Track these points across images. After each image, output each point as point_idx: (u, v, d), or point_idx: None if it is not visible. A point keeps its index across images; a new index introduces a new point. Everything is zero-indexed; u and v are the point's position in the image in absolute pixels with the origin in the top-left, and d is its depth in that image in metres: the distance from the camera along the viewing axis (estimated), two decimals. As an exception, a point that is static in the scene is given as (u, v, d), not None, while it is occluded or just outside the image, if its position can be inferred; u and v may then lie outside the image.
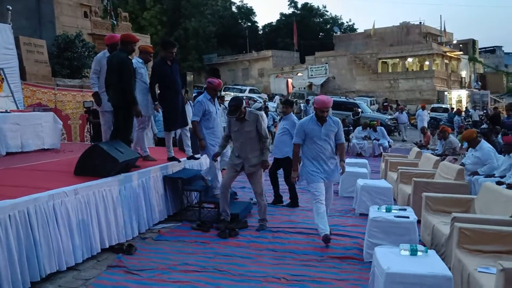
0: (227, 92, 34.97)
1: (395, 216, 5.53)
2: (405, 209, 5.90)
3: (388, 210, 5.75)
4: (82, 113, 13.21)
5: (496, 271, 3.54)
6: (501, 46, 68.99)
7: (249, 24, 63.08)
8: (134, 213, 6.25)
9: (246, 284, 4.78)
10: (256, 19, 65.99)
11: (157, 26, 47.08)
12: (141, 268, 5.14)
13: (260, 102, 26.81)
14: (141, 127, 7.68)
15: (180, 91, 7.82)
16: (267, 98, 37.50)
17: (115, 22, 25.77)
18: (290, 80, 48.52)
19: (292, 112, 8.53)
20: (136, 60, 7.37)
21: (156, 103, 7.49)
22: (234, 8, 63.79)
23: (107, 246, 5.62)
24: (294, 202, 8.39)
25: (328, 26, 62.50)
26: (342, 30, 61.86)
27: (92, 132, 10.25)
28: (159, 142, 10.55)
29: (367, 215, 5.99)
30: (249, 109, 6.87)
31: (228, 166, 6.87)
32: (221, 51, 55.52)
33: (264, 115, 6.75)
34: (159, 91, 7.63)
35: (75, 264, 5.07)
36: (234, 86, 43.05)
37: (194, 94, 13.61)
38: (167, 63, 7.47)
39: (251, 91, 40.41)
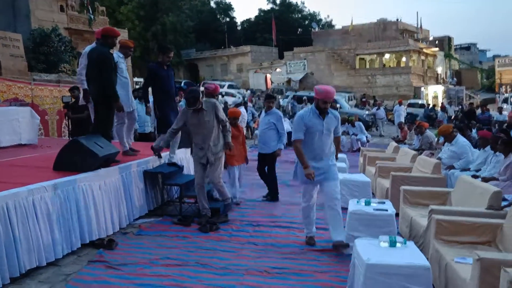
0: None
1: (374, 209, 5.62)
2: (383, 202, 5.98)
3: (367, 203, 5.83)
4: (60, 108, 13.04)
5: (473, 260, 3.64)
6: (476, 43, 70.44)
7: (227, 19, 62.95)
8: (115, 208, 6.22)
9: (228, 277, 4.81)
10: (234, 14, 66.05)
11: (134, 20, 46.68)
12: (122, 262, 5.13)
13: (239, 98, 26.78)
14: (120, 122, 7.64)
15: (174, 96, 7.90)
16: (245, 93, 37.47)
17: (92, 16, 25.44)
18: (269, 76, 48.59)
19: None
20: (116, 55, 7.29)
21: (148, 104, 7.46)
22: (212, 3, 63.63)
23: (88, 241, 5.59)
24: (273, 196, 8.44)
25: (307, 22, 62.75)
26: (320, 26, 62.20)
27: (70, 127, 10.13)
28: (140, 137, 10.51)
29: (346, 208, 6.06)
30: (204, 99, 6.82)
31: (195, 163, 6.85)
32: (200, 47, 55.30)
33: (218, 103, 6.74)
34: (152, 95, 7.66)
35: (55, 260, 5.03)
36: (213, 82, 42.91)
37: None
38: (163, 67, 7.52)
39: (230, 86, 40.34)
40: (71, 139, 8.25)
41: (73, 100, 10.11)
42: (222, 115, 6.69)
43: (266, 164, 8.50)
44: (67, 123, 11.39)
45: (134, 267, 5.00)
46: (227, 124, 6.80)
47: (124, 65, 7.48)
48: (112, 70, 6.65)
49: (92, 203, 5.71)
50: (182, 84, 33.72)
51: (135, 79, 36.26)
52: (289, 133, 8.47)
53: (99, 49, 6.68)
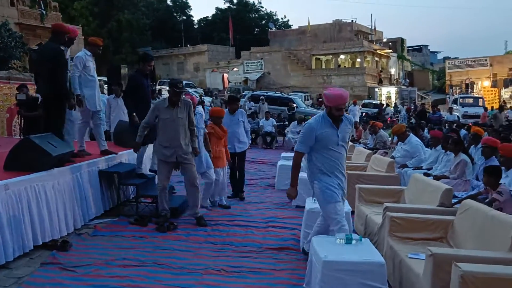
0: (162, 86, 34.44)
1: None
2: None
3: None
4: (10, 106, 12.60)
5: (426, 256, 3.76)
6: (427, 45, 72.49)
7: (184, 17, 62.43)
8: (69, 209, 6.07)
9: (186, 277, 4.78)
10: (191, 13, 65.54)
11: (88, 17, 45.58)
12: (77, 264, 5.02)
13: (196, 97, 26.60)
14: (84, 121, 7.47)
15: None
16: (203, 92, 37.28)
17: (44, 12, 24.72)
18: (226, 75, 48.54)
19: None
20: (84, 53, 7.12)
21: (134, 114, 7.20)
22: (169, 1, 62.95)
23: (41, 243, 5.43)
24: (241, 195, 8.51)
25: (263, 22, 63.01)
26: (277, 26, 62.52)
27: (23, 125, 9.79)
28: (93, 136, 10.27)
29: (303, 207, 6.14)
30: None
31: (160, 163, 6.61)
32: (156, 45, 54.56)
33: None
34: (131, 104, 7.34)
35: (6, 262, 4.87)
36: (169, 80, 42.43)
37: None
38: (144, 76, 7.37)
39: (186, 85, 39.95)
40: (22, 138, 8.00)
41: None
42: (193, 117, 6.61)
43: (241, 163, 8.54)
44: (19, 121, 11.02)
45: (89, 269, 4.90)
46: (196, 129, 6.68)
47: (92, 63, 7.25)
48: (65, 67, 6.48)
49: (45, 204, 5.55)
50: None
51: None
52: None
53: (50, 46, 6.50)
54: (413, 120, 22.11)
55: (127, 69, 14.82)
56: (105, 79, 23.37)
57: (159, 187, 6.64)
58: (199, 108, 8.56)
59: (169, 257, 5.33)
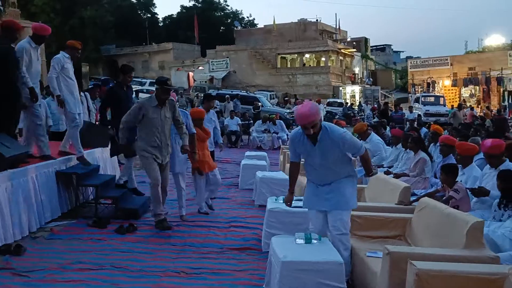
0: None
1: (291, 206, 5.69)
2: (301, 199, 6.08)
3: (286, 201, 5.90)
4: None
5: (383, 255, 3.79)
6: (390, 45, 73.78)
7: (148, 15, 61.70)
8: (24, 212, 5.86)
9: (145, 280, 4.69)
10: (156, 10, 64.69)
11: (50, 13, 44.56)
12: (31, 269, 4.84)
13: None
14: (74, 125, 7.24)
15: None
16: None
17: (1, 8, 23.98)
18: (191, 74, 48.23)
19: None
20: (62, 55, 6.98)
21: (109, 127, 7.06)
22: (133, -2, 62.11)
23: (-7, 248, 5.25)
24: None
25: (229, 20, 62.85)
26: (242, 24, 62.47)
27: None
28: (52, 136, 10.01)
29: (266, 206, 6.12)
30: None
31: (149, 160, 6.23)
32: (120, 42, 53.81)
33: None
34: (111, 116, 7.30)
35: (-45, 268, 4.69)
36: (133, 79, 41.89)
37: (90, 86, 13.05)
38: (123, 88, 7.25)
39: (151, 84, 39.56)
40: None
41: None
42: (179, 116, 6.43)
43: None
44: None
45: (44, 273, 4.74)
46: (184, 126, 6.48)
47: (70, 65, 7.09)
48: (14, 65, 6.24)
49: (-3, 207, 5.36)
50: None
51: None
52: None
53: None
54: (375, 119, 22.44)
55: (87, 67, 14.55)
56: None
57: (154, 186, 6.23)
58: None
59: (128, 259, 5.21)
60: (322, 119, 4.50)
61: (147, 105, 6.14)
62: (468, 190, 5.43)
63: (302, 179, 7.91)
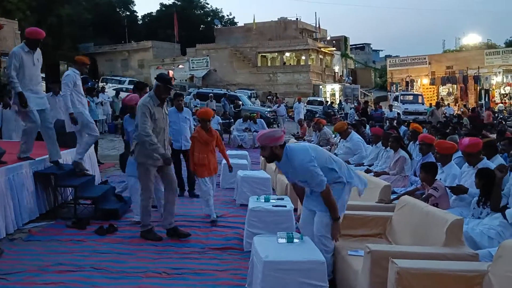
0: (105, 83, 33.61)
1: (273, 206, 5.71)
2: (282, 199, 6.11)
3: (267, 200, 5.93)
4: None
5: (364, 253, 3.81)
6: (370, 44, 74.28)
7: (127, 13, 61.11)
8: (0, 213, 5.76)
9: (125, 281, 4.64)
10: (135, 8, 64.08)
11: (26, 11, 43.76)
12: (8, 271, 4.75)
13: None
14: (95, 134, 7.46)
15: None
16: (148, 89, 36.59)
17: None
18: (171, 72, 47.82)
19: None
20: (73, 72, 7.11)
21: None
22: (111, -4, 61.42)
23: (-31, 250, 5.14)
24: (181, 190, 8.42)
25: (209, 18, 62.57)
26: (222, 23, 62.28)
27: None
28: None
29: (247, 205, 6.11)
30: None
31: (146, 170, 5.83)
32: (99, 41, 53.18)
33: None
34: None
35: None
36: (112, 77, 41.49)
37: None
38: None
39: (130, 82, 39.21)
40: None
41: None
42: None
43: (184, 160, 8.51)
44: None
45: (22, 276, 4.66)
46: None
47: (80, 82, 7.27)
48: None
49: (-27, 208, 5.25)
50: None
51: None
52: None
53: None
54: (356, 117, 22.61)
55: (66, 65, 14.33)
56: (43, 75, 22.49)
57: (147, 198, 5.89)
58: None
59: (108, 260, 5.16)
60: (284, 144, 4.39)
61: (150, 104, 5.72)
62: (447, 188, 5.49)
63: (282, 178, 7.93)
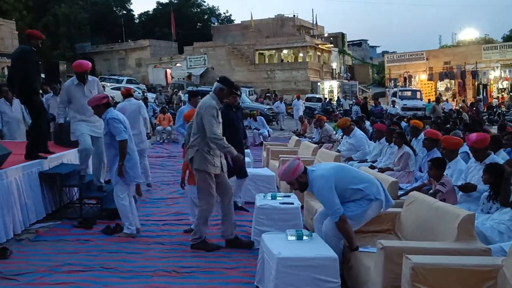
0: (104, 83, 33.53)
1: (280, 203, 5.71)
2: (289, 196, 6.11)
3: (273, 197, 5.91)
4: None
5: (377, 249, 3.81)
6: (367, 40, 74.27)
7: (124, 12, 60.94)
8: (7, 213, 5.74)
9: (136, 280, 4.65)
10: (131, 7, 63.82)
11: (23, 11, 43.64)
12: (18, 272, 4.76)
13: (139, 93, 26.13)
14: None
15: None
16: (145, 88, 36.59)
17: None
18: (169, 71, 47.87)
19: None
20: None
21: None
22: (108, -5, 61.24)
23: (-23, 251, 5.13)
24: None
25: (206, 16, 62.49)
26: (219, 21, 62.22)
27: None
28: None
29: (252, 203, 6.10)
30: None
31: (207, 179, 5.48)
32: (95, 40, 53.07)
33: None
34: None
35: None
36: (110, 77, 41.44)
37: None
38: (232, 109, 6.99)
39: (128, 81, 39.15)
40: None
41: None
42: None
43: None
44: None
45: (32, 276, 4.66)
46: None
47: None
48: (33, 65, 6.69)
49: (-20, 209, 5.24)
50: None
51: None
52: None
53: (20, 47, 7.01)
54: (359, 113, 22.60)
55: (65, 65, 14.31)
56: (42, 75, 22.43)
57: (205, 205, 5.52)
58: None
59: (117, 260, 5.17)
60: (305, 170, 4.54)
61: (218, 106, 5.46)
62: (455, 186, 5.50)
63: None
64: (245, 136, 7.92)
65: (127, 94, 8.67)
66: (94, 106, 6.09)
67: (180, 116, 8.50)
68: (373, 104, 25.29)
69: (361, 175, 4.67)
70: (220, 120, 5.50)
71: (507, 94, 35.86)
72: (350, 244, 4.42)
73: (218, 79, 5.63)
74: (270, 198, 5.94)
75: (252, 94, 35.94)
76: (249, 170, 8.39)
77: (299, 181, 4.54)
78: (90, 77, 7.13)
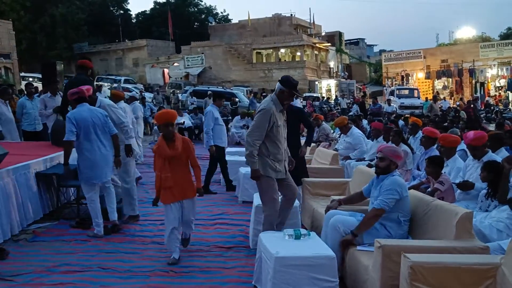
0: (101, 83, 33.49)
1: (279, 202, 5.68)
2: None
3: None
4: None
5: (375, 248, 3.80)
6: (364, 39, 74.28)
7: (121, 12, 60.87)
8: (4, 214, 5.70)
9: (133, 281, 4.63)
10: (128, 7, 63.66)
11: (20, 11, 43.52)
12: (16, 273, 4.74)
13: (137, 93, 26.09)
14: None
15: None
16: (143, 88, 36.56)
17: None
18: (166, 70, 47.86)
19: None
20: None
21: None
22: (105, -5, 61.11)
23: (-26, 253, 5.11)
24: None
25: (203, 16, 62.48)
26: (216, 20, 62.16)
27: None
28: (28, 136, 9.83)
29: (250, 202, 6.08)
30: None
31: (272, 182, 5.15)
32: (93, 40, 52.99)
33: None
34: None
35: None
36: (107, 76, 41.39)
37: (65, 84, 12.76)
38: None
39: (126, 81, 39.12)
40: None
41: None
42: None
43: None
44: None
45: (30, 277, 4.64)
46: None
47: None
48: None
49: (-23, 210, 5.21)
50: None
51: (22, 73, 33.96)
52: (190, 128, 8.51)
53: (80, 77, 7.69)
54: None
55: (62, 65, 14.25)
56: (39, 76, 22.42)
57: (269, 210, 5.15)
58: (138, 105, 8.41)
59: (114, 260, 5.15)
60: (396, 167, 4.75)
61: (274, 110, 5.08)
62: (453, 183, 5.49)
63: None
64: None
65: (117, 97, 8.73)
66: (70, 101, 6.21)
67: (208, 118, 8.64)
68: (371, 103, 25.29)
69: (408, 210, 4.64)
70: (280, 123, 5.11)
71: (504, 92, 35.89)
72: (358, 229, 4.43)
73: (280, 79, 5.24)
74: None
75: (249, 93, 35.88)
76: (247, 169, 8.36)
77: (390, 164, 4.63)
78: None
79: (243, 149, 11.20)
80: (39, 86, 17.53)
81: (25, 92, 11.47)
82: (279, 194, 5.27)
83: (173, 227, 5.09)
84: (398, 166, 4.76)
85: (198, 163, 5.42)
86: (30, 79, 28.93)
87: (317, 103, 31.25)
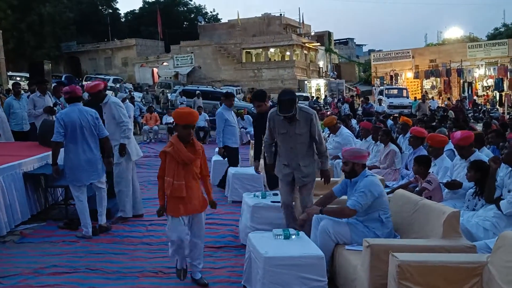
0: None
1: (271, 202, 5.72)
2: (277, 194, 6.09)
3: (263, 196, 5.91)
4: None
5: (363, 247, 3.82)
6: (353, 38, 74.58)
7: (110, 11, 60.53)
8: (-8, 215, 5.67)
9: (122, 282, 4.61)
10: (117, 6, 63.32)
11: (7, 10, 43.14)
12: (2, 274, 4.70)
13: (126, 93, 25.97)
14: None
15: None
16: (132, 88, 36.40)
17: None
18: (155, 70, 47.72)
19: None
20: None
21: None
22: (93, -6, 60.74)
23: (-40, 254, 5.06)
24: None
25: (192, 15, 62.32)
26: (206, 20, 62.04)
27: None
28: (18, 137, 9.75)
29: (239, 202, 6.07)
30: (300, 105, 5.28)
31: (280, 182, 5.49)
32: (81, 39, 52.65)
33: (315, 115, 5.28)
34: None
35: None
36: (96, 76, 41.14)
37: (53, 84, 12.68)
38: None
39: (115, 80, 38.94)
40: None
41: None
42: (317, 132, 5.25)
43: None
44: None
45: (17, 279, 4.61)
46: (323, 146, 5.42)
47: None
48: None
49: (-36, 211, 5.16)
50: (63, 79, 31.95)
51: (9, 73, 33.66)
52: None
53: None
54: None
55: (50, 65, 14.17)
56: (27, 75, 22.25)
57: (282, 205, 5.47)
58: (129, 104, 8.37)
59: (103, 261, 5.12)
60: (364, 166, 4.77)
61: (276, 115, 5.22)
62: (440, 183, 5.53)
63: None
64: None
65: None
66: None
67: (220, 121, 8.57)
68: (360, 102, 25.41)
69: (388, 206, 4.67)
70: (283, 131, 5.24)
71: (491, 92, 36.18)
72: (327, 211, 4.64)
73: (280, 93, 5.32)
74: (260, 197, 5.93)
75: (239, 93, 35.88)
76: (236, 169, 8.40)
77: (353, 166, 4.65)
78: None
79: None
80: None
81: (13, 92, 11.35)
82: (288, 195, 5.48)
83: (181, 241, 4.42)
84: (365, 164, 4.73)
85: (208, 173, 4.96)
86: (18, 78, 28.65)
87: (306, 102, 31.28)
